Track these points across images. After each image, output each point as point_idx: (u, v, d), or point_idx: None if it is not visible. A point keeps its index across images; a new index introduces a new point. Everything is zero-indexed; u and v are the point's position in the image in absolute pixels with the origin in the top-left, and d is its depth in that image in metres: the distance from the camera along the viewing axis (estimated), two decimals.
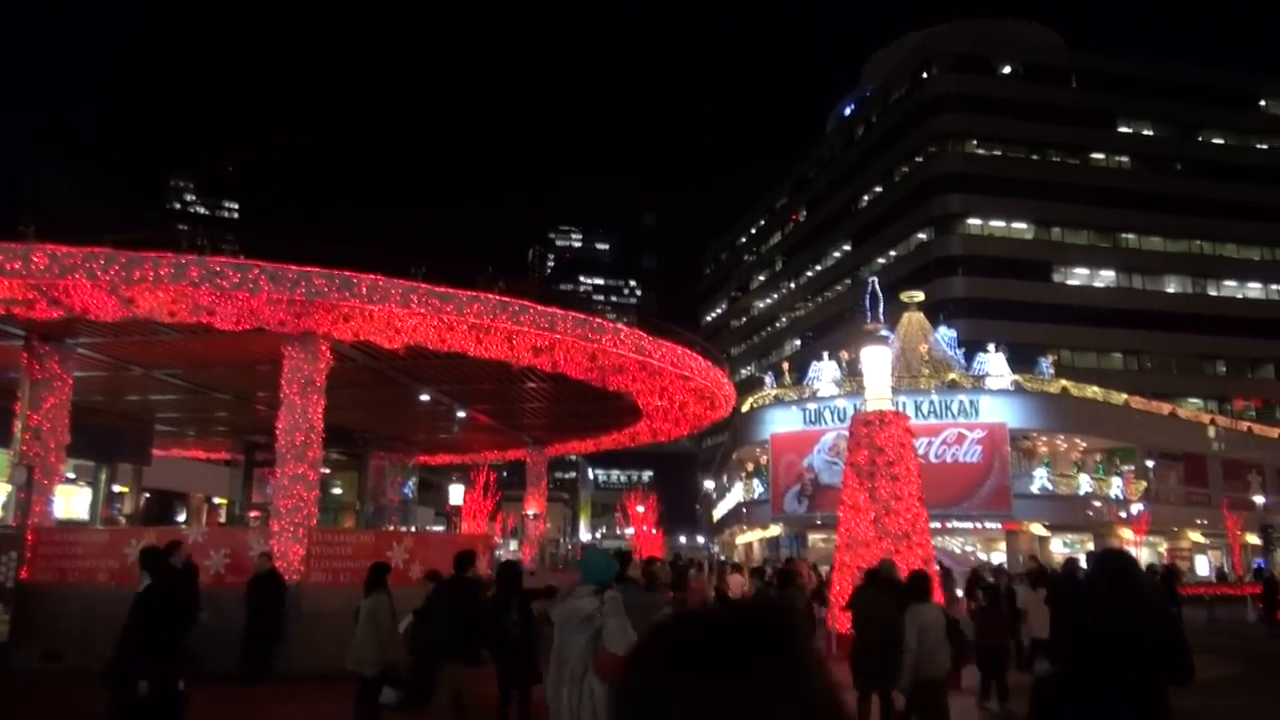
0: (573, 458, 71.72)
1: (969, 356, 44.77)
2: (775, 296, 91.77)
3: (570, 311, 17.93)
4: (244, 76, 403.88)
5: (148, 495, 34.03)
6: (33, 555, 15.84)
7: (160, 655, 7.52)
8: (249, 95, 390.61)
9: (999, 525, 41.38)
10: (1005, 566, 30.82)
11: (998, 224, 67.10)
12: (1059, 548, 41.44)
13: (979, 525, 41.60)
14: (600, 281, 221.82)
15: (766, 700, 1.04)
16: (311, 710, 12.19)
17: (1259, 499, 48.74)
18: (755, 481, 51.16)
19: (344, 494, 28.81)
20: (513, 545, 41.92)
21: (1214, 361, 67.77)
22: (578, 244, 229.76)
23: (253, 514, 27.04)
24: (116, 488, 29.88)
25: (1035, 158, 67.87)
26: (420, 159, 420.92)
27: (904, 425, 20.31)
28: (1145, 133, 71.30)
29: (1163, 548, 47.58)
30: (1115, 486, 43.52)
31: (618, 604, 5.87)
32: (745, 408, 46.76)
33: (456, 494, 38.66)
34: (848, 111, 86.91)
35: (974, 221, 66.73)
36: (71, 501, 26.63)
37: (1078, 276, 67.53)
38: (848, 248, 77.94)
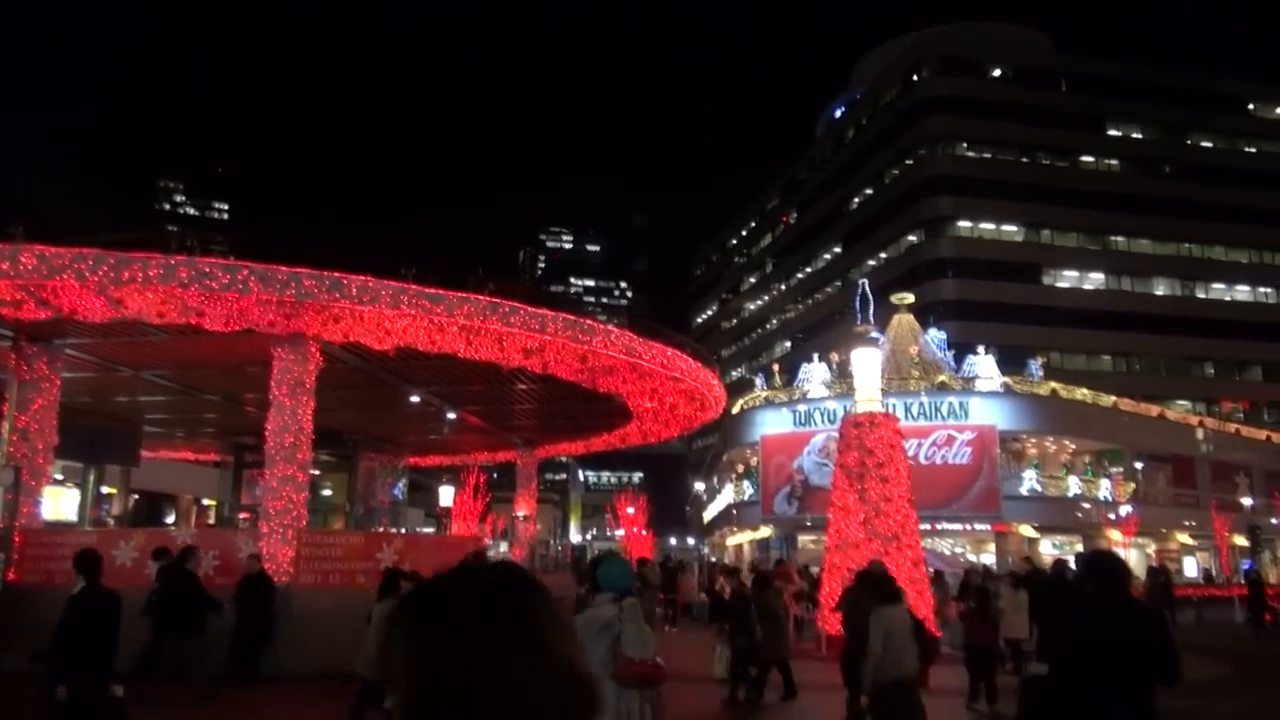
0: (563, 459, 71.63)
1: (959, 358, 44.88)
2: (766, 298, 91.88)
3: (561, 313, 17.92)
4: (234, 78, 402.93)
5: (136, 497, 33.87)
6: (20, 557, 15.77)
7: (85, 661, 7.36)
8: (239, 97, 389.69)
9: (988, 527, 41.49)
10: (995, 569, 30.95)
11: (988, 226, 67.32)
12: (1048, 549, 41.51)
13: (968, 527, 41.70)
14: (591, 283, 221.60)
15: (498, 653, 1.19)
16: (300, 712, 12.17)
17: (1247, 500, 48.95)
18: (745, 483, 51.18)
19: (333, 496, 28.74)
20: (503, 547, 41.85)
21: (1202, 363, 68.08)
22: (568, 245, 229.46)
23: (242, 515, 26.97)
24: (105, 489, 29.75)
25: (1025, 160, 68.12)
26: (410, 160, 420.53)
27: (893, 427, 20.37)
28: (1134, 135, 71.64)
29: (1151, 549, 47.74)
30: (1104, 488, 43.67)
31: (636, 611, 5.98)
32: (735, 409, 46.77)
33: (447, 495, 38.61)
34: (838, 113, 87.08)
35: (964, 224, 66.92)
36: (59, 503, 26.48)
37: (1067, 279, 67.78)
38: (838, 250, 78.09)
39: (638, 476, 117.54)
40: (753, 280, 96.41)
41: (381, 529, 27.55)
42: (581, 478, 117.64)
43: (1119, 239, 68.72)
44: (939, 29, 75.27)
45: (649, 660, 5.79)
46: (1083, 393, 45.46)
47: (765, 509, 45.68)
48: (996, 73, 70.71)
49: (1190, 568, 48.27)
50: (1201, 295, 69.34)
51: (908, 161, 69.53)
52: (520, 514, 33.04)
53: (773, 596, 14.80)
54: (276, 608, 14.45)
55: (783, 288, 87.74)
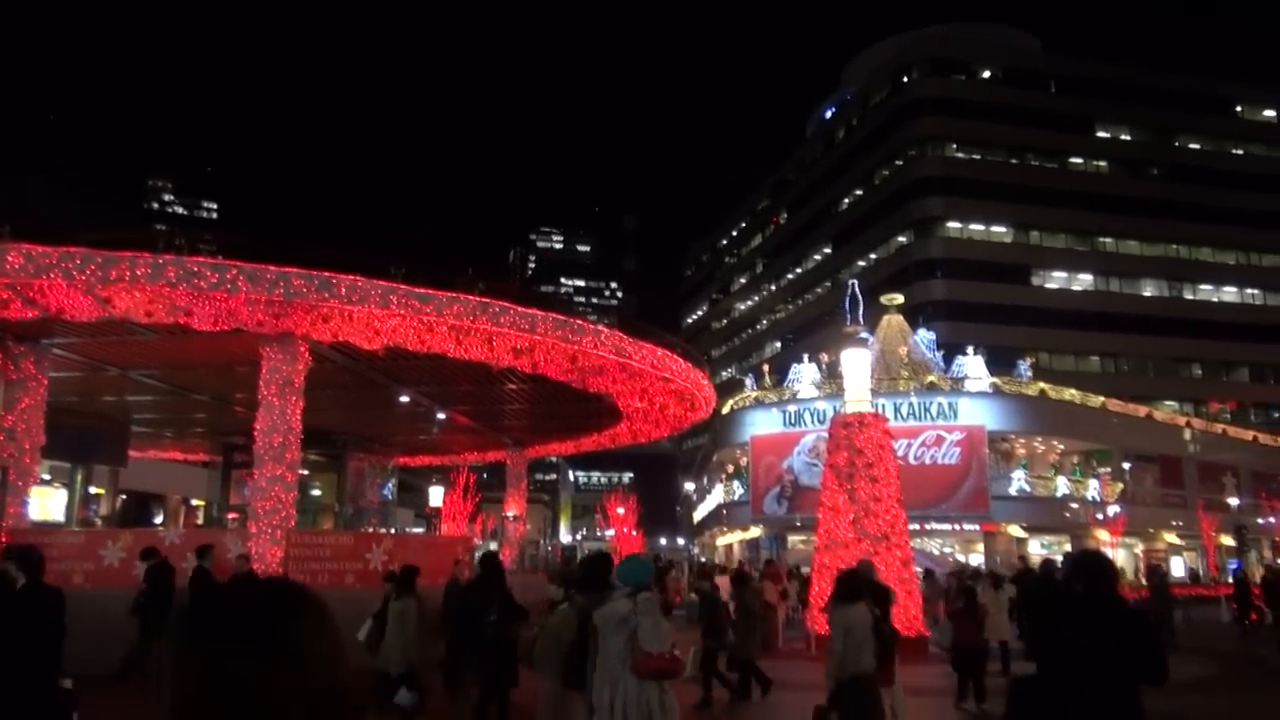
0: (553, 459, 71.64)
1: (948, 359, 45.02)
2: (756, 299, 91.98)
3: (551, 313, 17.93)
4: (222, 77, 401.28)
5: (124, 497, 33.75)
6: None
7: (28, 658, 7.32)
8: (227, 96, 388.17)
9: (977, 527, 41.62)
10: (984, 568, 31.05)
11: (977, 227, 67.51)
12: (1036, 549, 41.69)
13: (957, 527, 41.84)
14: (581, 283, 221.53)
15: (251, 670, 1.25)
16: None
17: (1233, 501, 49.21)
18: (735, 483, 51.26)
19: (323, 495, 28.71)
20: (493, 547, 41.82)
21: (1190, 364, 68.39)
22: (559, 245, 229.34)
23: (231, 515, 26.91)
24: (92, 489, 29.64)
25: (1014, 161, 68.33)
26: (399, 160, 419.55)
27: (883, 427, 20.42)
28: (1123, 137, 71.96)
29: (1139, 549, 48.00)
30: (1092, 488, 43.86)
31: (652, 605, 6.13)
32: (725, 410, 46.83)
33: (436, 495, 38.49)
34: (828, 114, 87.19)
35: (953, 225, 67.09)
36: (47, 503, 26.37)
37: (1056, 280, 68.02)
38: (828, 250, 78.21)
39: (628, 476, 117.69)
40: (743, 281, 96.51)
41: (371, 529, 27.53)
42: (571, 478, 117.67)
43: (1107, 240, 69.00)
44: (929, 30, 75.45)
45: (666, 653, 5.94)
46: (1071, 393, 45.65)
47: (755, 509, 45.75)
48: (986, 74, 70.96)
49: (1177, 567, 48.45)
50: (1189, 296, 69.68)
51: (897, 162, 69.69)
52: (510, 514, 33.04)
53: (750, 596, 14.91)
54: None
55: (773, 288, 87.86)
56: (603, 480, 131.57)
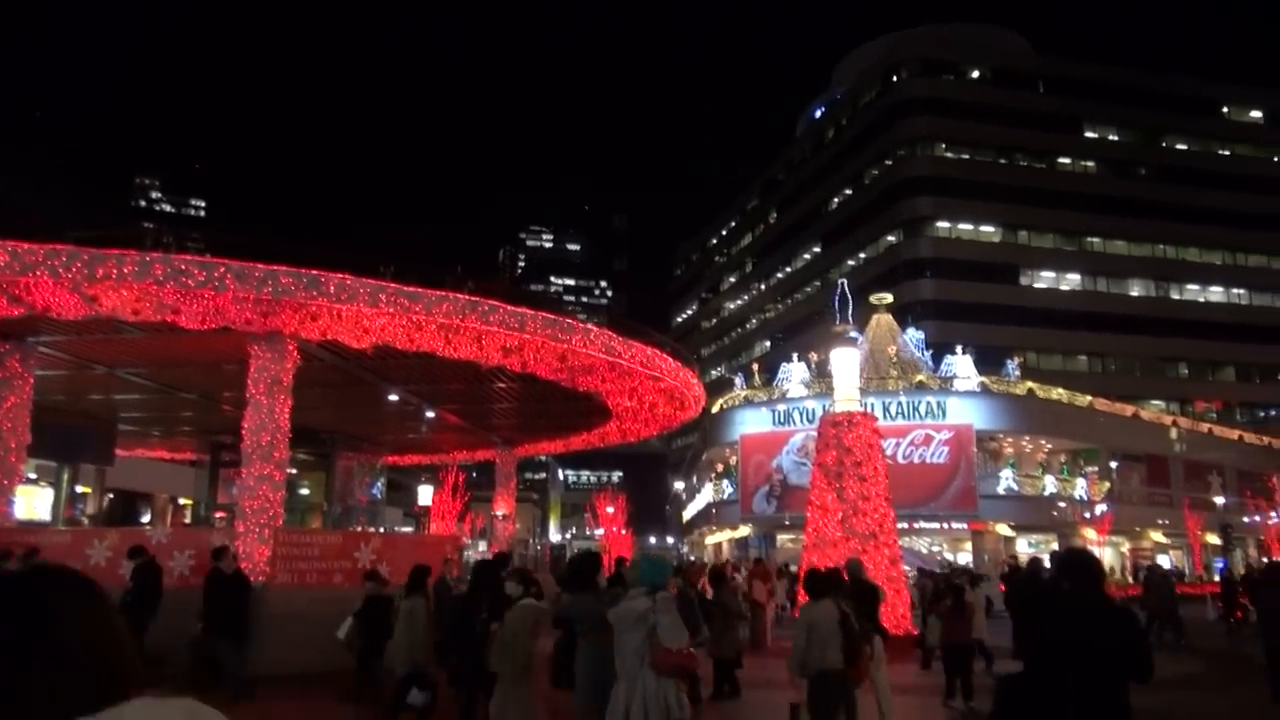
0: (542, 458, 71.50)
1: (937, 358, 45.18)
2: (745, 298, 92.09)
3: (540, 312, 17.87)
4: (213, 75, 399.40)
5: (111, 496, 33.61)
6: None
7: None
8: (218, 94, 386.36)
9: (965, 525, 41.79)
10: (971, 566, 31.17)
11: (966, 227, 67.73)
12: (1024, 548, 41.88)
13: (946, 525, 41.98)
14: (571, 282, 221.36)
15: (18, 654, 1.28)
16: (274, 711, 12.07)
17: (1219, 499, 49.50)
18: (725, 482, 51.31)
19: (311, 494, 28.60)
20: (481, 546, 41.78)
21: (1176, 364, 68.77)
22: (549, 244, 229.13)
23: (218, 514, 26.79)
24: (79, 488, 29.49)
25: (1003, 161, 68.59)
26: (389, 159, 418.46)
27: (872, 426, 20.48)
28: (1111, 138, 72.29)
29: (1125, 547, 48.25)
30: (1079, 487, 44.06)
31: (669, 603, 6.26)
32: (715, 409, 46.89)
33: (425, 494, 38.50)
34: (818, 114, 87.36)
35: (942, 224, 67.30)
36: (33, 502, 26.26)
37: (1044, 279, 68.30)
38: (818, 250, 78.36)
39: (617, 475, 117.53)
40: (732, 280, 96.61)
41: (359, 528, 27.44)
42: (561, 477, 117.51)
43: (1095, 240, 69.32)
44: (918, 30, 75.68)
45: (684, 650, 6.11)
46: (1059, 393, 45.85)
47: (744, 508, 45.83)
48: (975, 74, 71.19)
49: (1164, 566, 48.73)
50: (1176, 296, 70.05)
51: (887, 162, 69.86)
52: (499, 513, 32.97)
53: (728, 594, 14.93)
54: (252, 608, 14.33)
55: (762, 287, 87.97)
56: (592, 479, 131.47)
